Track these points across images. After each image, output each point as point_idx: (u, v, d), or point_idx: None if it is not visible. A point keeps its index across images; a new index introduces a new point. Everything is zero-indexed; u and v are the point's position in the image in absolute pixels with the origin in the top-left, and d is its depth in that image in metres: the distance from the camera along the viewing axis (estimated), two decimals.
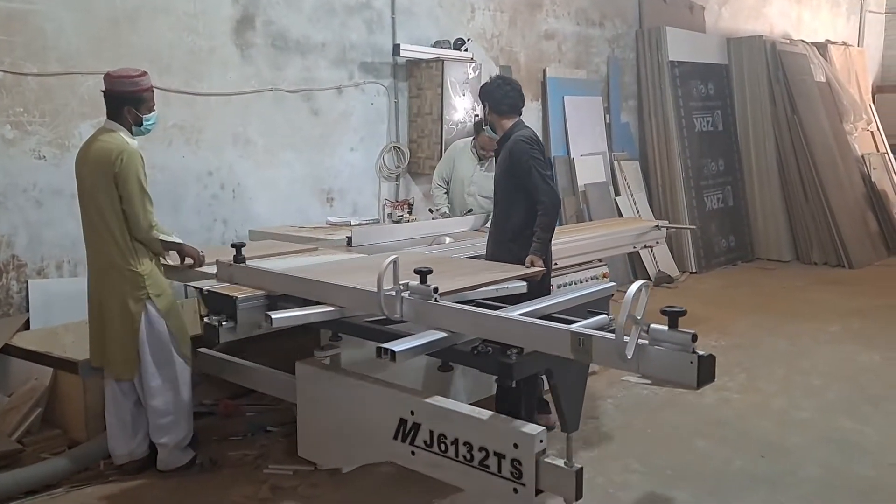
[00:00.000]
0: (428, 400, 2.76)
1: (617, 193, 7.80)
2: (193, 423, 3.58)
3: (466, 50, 6.40)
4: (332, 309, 2.97)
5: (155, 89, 4.68)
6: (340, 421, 3.10)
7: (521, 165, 3.65)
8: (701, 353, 2.11)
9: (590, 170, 7.57)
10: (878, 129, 10.50)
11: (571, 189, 7.43)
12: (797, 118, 8.85)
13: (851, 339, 5.70)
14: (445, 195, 5.38)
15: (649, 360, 2.19)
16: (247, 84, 5.35)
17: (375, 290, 2.66)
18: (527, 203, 3.68)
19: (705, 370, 2.11)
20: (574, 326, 2.51)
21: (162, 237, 3.41)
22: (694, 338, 2.11)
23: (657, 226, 5.34)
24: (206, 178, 5.16)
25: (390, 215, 5.67)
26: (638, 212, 7.77)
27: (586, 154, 7.61)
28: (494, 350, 2.62)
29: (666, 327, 2.16)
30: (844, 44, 10.97)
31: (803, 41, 9.92)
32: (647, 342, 2.18)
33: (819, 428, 4.08)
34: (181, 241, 3.58)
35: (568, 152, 7.48)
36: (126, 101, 3.38)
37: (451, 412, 2.69)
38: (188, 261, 3.64)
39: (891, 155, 10.43)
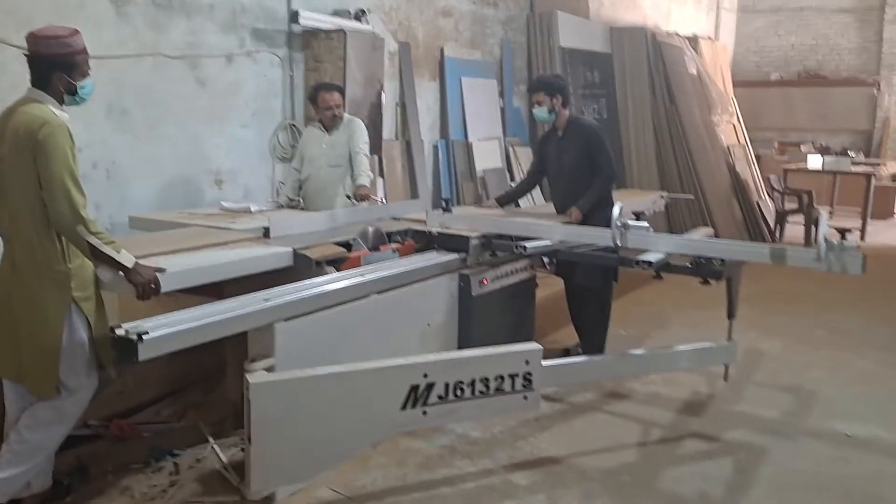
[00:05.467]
0: (442, 358, 3.18)
1: (512, 179, 7.63)
2: (80, 452, 2.95)
3: (367, 22, 5.94)
4: (555, 241, 4.12)
5: (14, 48, 4.04)
6: (317, 424, 2.88)
7: (594, 146, 4.69)
8: (863, 254, 3.33)
9: (487, 154, 7.35)
10: (739, 122, 11.08)
11: (470, 174, 7.17)
12: (675, 108, 9.10)
13: (748, 327, 5.83)
14: (296, 183, 5.06)
15: (832, 260, 3.35)
16: (123, 47, 4.61)
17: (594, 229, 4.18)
18: (594, 175, 4.73)
19: (865, 263, 3.32)
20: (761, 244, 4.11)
21: (93, 241, 2.66)
22: (858, 246, 3.37)
23: (661, 196, 6.74)
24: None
25: (291, 200, 5.12)
26: (532, 198, 7.63)
27: (483, 139, 7.37)
28: (706, 261, 3.70)
29: (836, 241, 3.38)
30: (710, 38, 11.48)
31: (678, 34, 10.24)
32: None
33: (750, 420, 4.08)
34: (129, 264, 2.74)
35: (465, 136, 7.20)
36: (56, 66, 2.76)
37: (467, 359, 3.17)
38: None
39: (750, 146, 11.06)
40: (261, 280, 3.32)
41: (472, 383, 3.11)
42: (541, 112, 4.74)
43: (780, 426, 4.02)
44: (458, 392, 3.10)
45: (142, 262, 2.87)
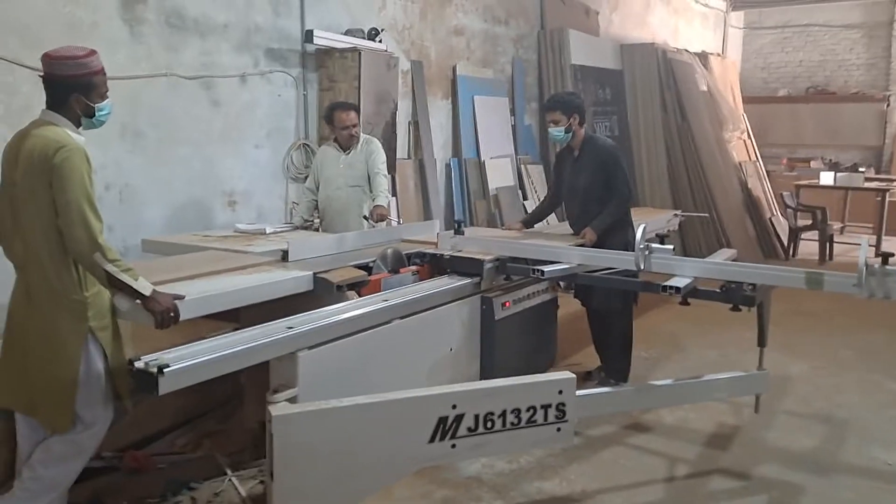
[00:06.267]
0: (472, 388, 3.09)
1: (525, 198, 7.54)
2: (95, 485, 2.85)
3: (381, 41, 5.87)
4: (573, 265, 3.91)
5: (25, 69, 3.97)
6: (342, 458, 2.79)
7: (610, 167, 4.54)
8: None
9: (499, 173, 7.26)
10: (750, 138, 11.00)
11: (482, 193, 7.09)
12: (686, 125, 9.03)
13: (773, 348, 5.62)
14: (311, 203, 5.02)
15: (874, 285, 3.17)
16: (137, 67, 4.54)
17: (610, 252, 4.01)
18: (610, 196, 4.57)
19: None
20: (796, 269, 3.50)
21: (109, 268, 2.56)
22: None
23: (675, 214, 6.62)
24: None
25: (305, 221, 5.03)
26: (547, 220, 7.52)
27: (496, 157, 7.30)
28: (737, 286, 3.50)
29: (878, 265, 3.16)
30: (719, 55, 11.43)
31: (687, 50, 10.19)
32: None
33: (783, 451, 3.94)
34: (147, 292, 2.64)
35: (478, 154, 7.12)
36: (73, 88, 2.65)
37: (497, 389, 3.03)
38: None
39: (761, 162, 10.97)
40: (278, 304, 3.22)
41: (503, 414, 2.99)
42: (557, 132, 4.61)
43: (814, 455, 3.87)
44: (489, 424, 2.98)
45: (159, 288, 2.77)
